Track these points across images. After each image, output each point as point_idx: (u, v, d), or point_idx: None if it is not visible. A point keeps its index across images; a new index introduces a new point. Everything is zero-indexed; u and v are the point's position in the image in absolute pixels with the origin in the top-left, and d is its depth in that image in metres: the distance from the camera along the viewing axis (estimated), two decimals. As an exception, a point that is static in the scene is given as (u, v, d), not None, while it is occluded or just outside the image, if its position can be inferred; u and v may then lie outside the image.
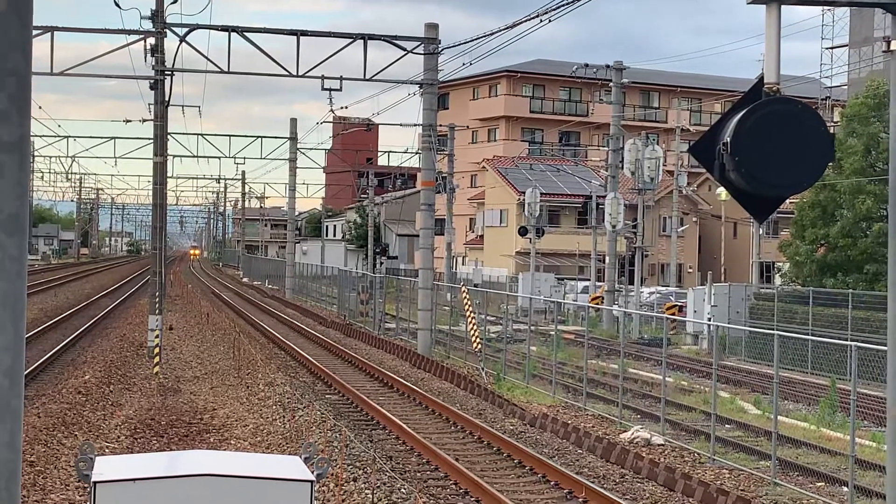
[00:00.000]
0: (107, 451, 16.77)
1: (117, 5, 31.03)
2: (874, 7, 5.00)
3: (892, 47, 4.96)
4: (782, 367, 20.94)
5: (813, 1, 5.06)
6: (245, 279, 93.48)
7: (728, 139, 4.97)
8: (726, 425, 21.75)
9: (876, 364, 20.37)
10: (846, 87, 60.95)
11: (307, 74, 32.39)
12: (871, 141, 39.68)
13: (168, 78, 31.43)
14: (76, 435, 18.41)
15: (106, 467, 6.74)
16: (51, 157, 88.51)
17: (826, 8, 55.79)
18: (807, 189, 5.44)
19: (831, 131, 5.26)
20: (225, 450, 17.02)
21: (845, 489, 16.06)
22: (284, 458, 7.86)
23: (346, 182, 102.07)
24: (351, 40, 32.18)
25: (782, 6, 5.07)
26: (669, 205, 61.77)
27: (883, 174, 38.47)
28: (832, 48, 61.92)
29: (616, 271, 45.68)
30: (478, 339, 31.32)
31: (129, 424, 19.88)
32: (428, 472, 17.12)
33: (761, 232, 49.27)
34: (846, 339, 26.12)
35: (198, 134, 63.64)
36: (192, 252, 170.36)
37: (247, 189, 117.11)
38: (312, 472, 6.82)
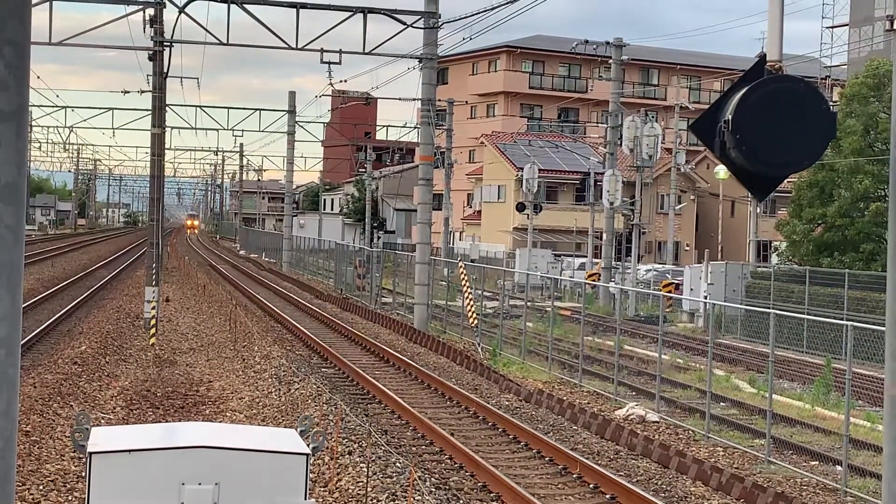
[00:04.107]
0: (102, 421, 16.80)
1: (116, -25, 30.84)
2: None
3: (895, 26, 4.93)
4: (778, 345, 20.98)
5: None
6: (242, 252, 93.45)
7: (729, 116, 4.95)
8: (721, 403, 21.81)
9: (871, 344, 20.42)
10: (846, 66, 60.82)
11: (306, 47, 32.27)
12: (870, 121, 39.65)
13: (167, 49, 31.32)
14: (72, 405, 18.43)
15: (102, 438, 6.75)
16: (49, 127, 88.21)
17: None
18: (807, 167, 5.44)
19: (833, 110, 5.25)
20: (221, 422, 17.05)
21: (839, 468, 16.12)
22: (280, 431, 7.88)
23: (345, 156, 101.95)
24: (351, 13, 32.05)
25: (785, -16, 5.04)
26: (667, 182, 61.72)
27: (881, 154, 38.44)
28: (832, 27, 61.80)
29: (613, 248, 45.68)
30: (474, 315, 31.33)
31: (124, 395, 19.90)
32: (423, 447, 17.16)
33: (759, 211, 49.28)
34: (842, 319, 26.16)
35: (196, 106, 63.49)
36: (188, 223, 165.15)
37: (245, 161, 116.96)
38: (308, 446, 6.83)
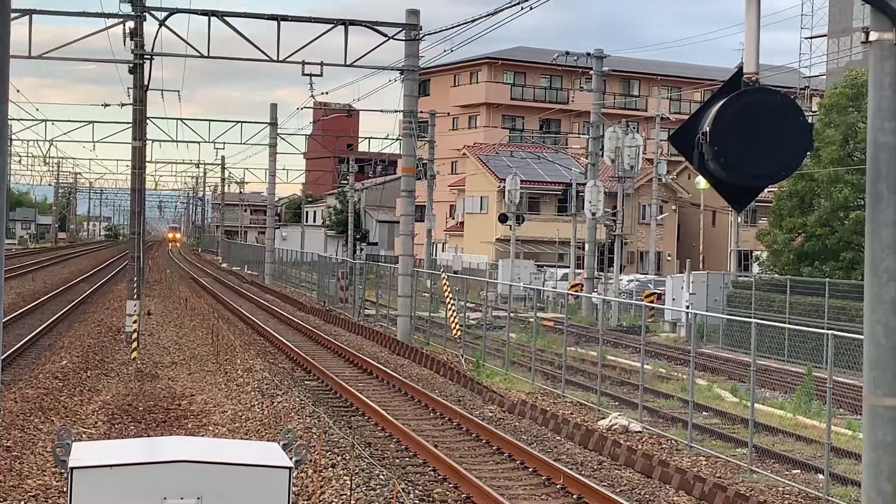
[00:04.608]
0: (84, 436, 16.73)
1: (96, -12, 30.79)
2: (853, -2, 5.02)
3: (870, 38, 4.97)
4: (759, 354, 21.04)
5: (792, -9, 5.07)
6: (224, 265, 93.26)
7: (707, 128, 5.00)
8: (703, 412, 21.86)
9: (852, 352, 20.51)
10: (825, 76, 61.15)
11: (288, 60, 32.26)
12: (849, 131, 39.83)
13: (147, 62, 31.24)
14: (53, 420, 18.36)
15: (83, 453, 6.74)
16: (28, 140, 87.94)
17: (806, -3, 56.02)
18: (785, 178, 5.48)
19: (810, 121, 5.33)
20: (203, 436, 17.00)
21: (821, 477, 16.17)
22: (263, 445, 7.87)
23: (327, 168, 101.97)
24: (332, 26, 32.07)
25: (762, -4, 5.08)
26: (649, 193, 61.91)
27: (860, 164, 38.65)
28: (811, 38, 62.14)
29: (595, 259, 45.78)
30: (457, 326, 31.34)
31: (106, 410, 19.83)
32: (407, 459, 17.15)
33: (740, 220, 49.49)
34: (823, 328, 26.26)
35: (177, 118, 63.37)
36: (170, 236, 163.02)
37: (226, 174, 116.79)
38: (291, 459, 6.83)
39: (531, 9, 26.83)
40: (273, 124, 67.64)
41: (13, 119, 62.29)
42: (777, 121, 5.01)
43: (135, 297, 29.82)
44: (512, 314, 31.80)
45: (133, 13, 30.81)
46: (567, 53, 44.93)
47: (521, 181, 59.04)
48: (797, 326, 26.07)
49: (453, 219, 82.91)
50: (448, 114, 78.94)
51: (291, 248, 77.00)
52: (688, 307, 34.72)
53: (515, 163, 70.54)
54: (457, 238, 79.33)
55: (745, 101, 4.99)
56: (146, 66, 31.22)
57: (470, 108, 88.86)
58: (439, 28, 32.94)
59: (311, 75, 33.23)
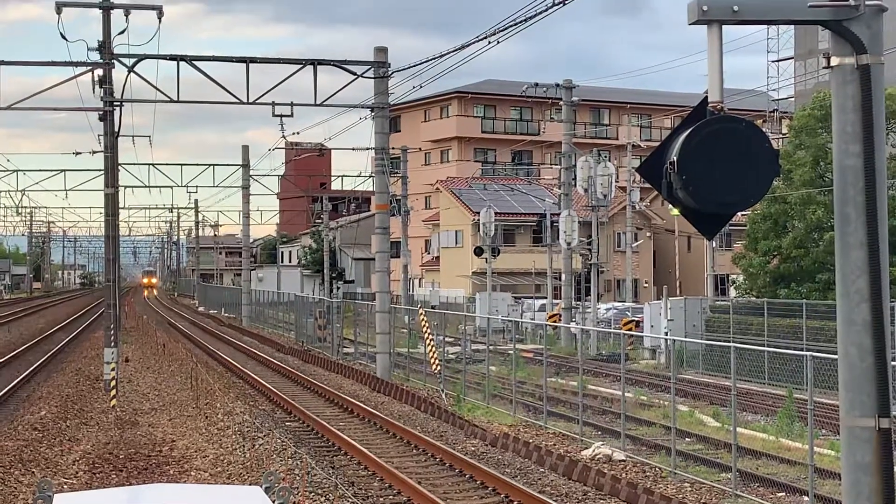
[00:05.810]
0: (65, 487, 16.59)
1: (63, 37, 30.79)
2: (813, 24, 5.09)
3: (832, 63, 5.04)
4: (739, 378, 21.09)
5: (753, 20, 5.14)
6: (201, 308, 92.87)
7: (675, 158, 5.04)
8: (686, 439, 21.87)
9: (831, 373, 20.56)
10: (793, 99, 61.68)
11: (258, 101, 32.32)
12: (820, 152, 40.13)
13: (117, 109, 31.23)
14: (33, 472, 18.19)
15: (64, 505, 6.67)
16: (0, 191, 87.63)
17: (770, 22, 56.49)
18: (754, 205, 5.52)
19: (775, 147, 5.37)
20: (185, 482, 16.88)
21: (806, 499, 16.19)
22: (245, 489, 7.82)
23: (301, 207, 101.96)
24: (301, 66, 32.17)
25: (724, 25, 5.14)
26: (623, 220, 62.11)
27: (832, 185, 38.83)
28: (778, 61, 62.67)
29: (572, 288, 45.85)
30: (437, 361, 31.27)
31: (87, 459, 19.67)
32: (391, 497, 17.07)
33: (714, 245, 49.72)
34: (801, 349, 26.36)
35: (149, 164, 63.35)
36: (145, 281, 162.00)
37: (200, 217, 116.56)
38: (273, 502, 6.79)
39: (498, 42, 26.97)
40: (245, 166, 67.68)
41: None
42: (743, 148, 5.07)
43: (112, 344, 29.65)
44: (491, 347, 31.77)
45: (101, 61, 30.82)
46: (536, 85, 45.22)
47: (496, 213, 59.18)
48: (776, 349, 26.13)
49: (429, 254, 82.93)
50: (420, 149, 79.18)
51: (268, 289, 76.81)
52: (666, 333, 34.79)
53: (489, 195, 70.72)
54: (433, 273, 79.32)
55: (710, 129, 5.04)
56: (116, 113, 31.21)
57: (441, 142, 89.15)
58: (408, 64, 33.06)
59: (281, 116, 33.30)
